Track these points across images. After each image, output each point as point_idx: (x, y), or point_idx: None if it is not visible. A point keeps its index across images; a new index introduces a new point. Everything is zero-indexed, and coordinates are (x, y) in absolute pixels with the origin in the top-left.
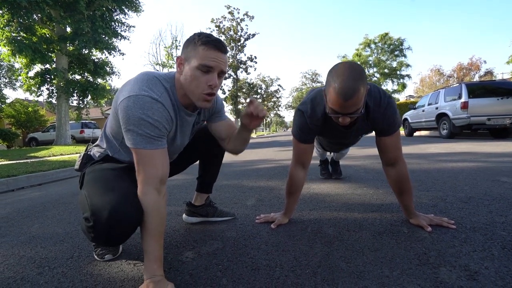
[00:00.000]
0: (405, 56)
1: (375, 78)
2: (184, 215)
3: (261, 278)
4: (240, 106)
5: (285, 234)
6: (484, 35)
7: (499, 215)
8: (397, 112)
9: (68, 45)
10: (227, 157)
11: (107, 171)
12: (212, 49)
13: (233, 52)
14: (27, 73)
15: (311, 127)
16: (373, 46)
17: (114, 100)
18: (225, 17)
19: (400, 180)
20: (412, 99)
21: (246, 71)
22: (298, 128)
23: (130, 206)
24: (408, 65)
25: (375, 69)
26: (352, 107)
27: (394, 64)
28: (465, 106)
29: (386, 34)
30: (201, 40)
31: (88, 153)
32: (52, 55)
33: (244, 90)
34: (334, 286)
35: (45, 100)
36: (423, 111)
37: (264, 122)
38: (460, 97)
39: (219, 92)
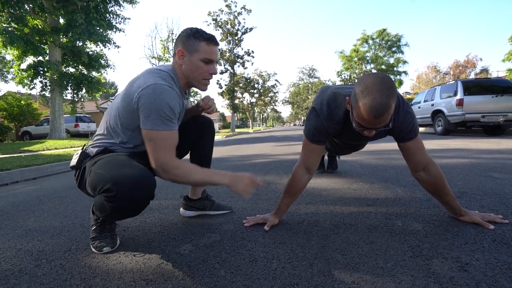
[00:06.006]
0: (402, 52)
1: None
2: (181, 209)
3: (258, 269)
4: (236, 101)
5: (282, 227)
6: (480, 32)
7: (491, 209)
8: (415, 117)
9: (61, 37)
10: (224, 152)
11: (117, 155)
12: (212, 45)
13: (230, 46)
14: (19, 65)
15: (328, 130)
16: (370, 42)
17: (125, 94)
18: (222, 10)
19: (437, 183)
20: (408, 96)
21: (243, 66)
22: (314, 128)
23: (149, 178)
24: (405, 62)
25: (372, 65)
26: (381, 123)
27: (391, 60)
28: (460, 103)
29: (384, 30)
30: (202, 37)
31: (85, 151)
32: (45, 47)
33: (241, 84)
34: (330, 277)
35: (38, 93)
36: (419, 107)
37: (261, 117)
38: (455, 94)
39: (217, 87)
